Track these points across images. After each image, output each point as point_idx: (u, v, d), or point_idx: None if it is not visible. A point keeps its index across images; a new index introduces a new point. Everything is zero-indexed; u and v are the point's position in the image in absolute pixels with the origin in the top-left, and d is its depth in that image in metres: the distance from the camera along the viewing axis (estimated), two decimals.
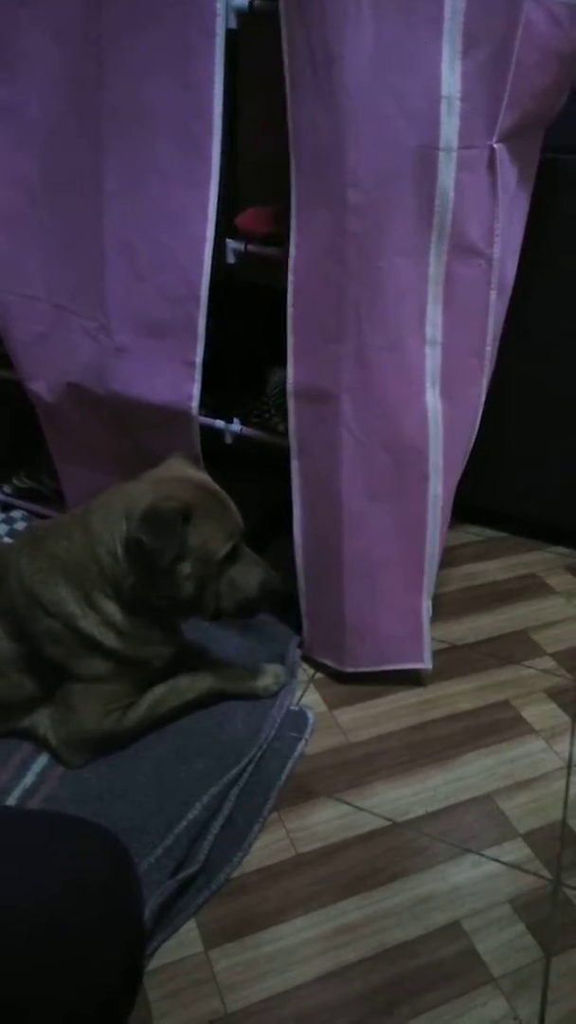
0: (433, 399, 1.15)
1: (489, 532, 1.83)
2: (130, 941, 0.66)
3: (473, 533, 1.83)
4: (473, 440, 1.29)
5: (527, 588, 1.64)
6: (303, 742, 1.21)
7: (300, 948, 0.93)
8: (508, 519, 1.81)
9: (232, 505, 1.13)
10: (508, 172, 1.08)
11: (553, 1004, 0.88)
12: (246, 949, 0.92)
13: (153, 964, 0.90)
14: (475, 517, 1.84)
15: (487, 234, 1.07)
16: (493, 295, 1.12)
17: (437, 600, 1.56)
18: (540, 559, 1.74)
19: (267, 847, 1.05)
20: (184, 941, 0.93)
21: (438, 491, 1.21)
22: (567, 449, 1.62)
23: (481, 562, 1.73)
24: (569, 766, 1.20)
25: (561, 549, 1.77)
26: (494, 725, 1.27)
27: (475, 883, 1.01)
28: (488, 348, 1.17)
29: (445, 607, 1.56)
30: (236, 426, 1.39)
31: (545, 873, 1.03)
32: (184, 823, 1.02)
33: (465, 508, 1.80)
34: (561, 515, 1.72)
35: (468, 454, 1.30)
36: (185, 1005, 0.86)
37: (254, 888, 1.00)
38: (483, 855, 1.05)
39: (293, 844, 1.06)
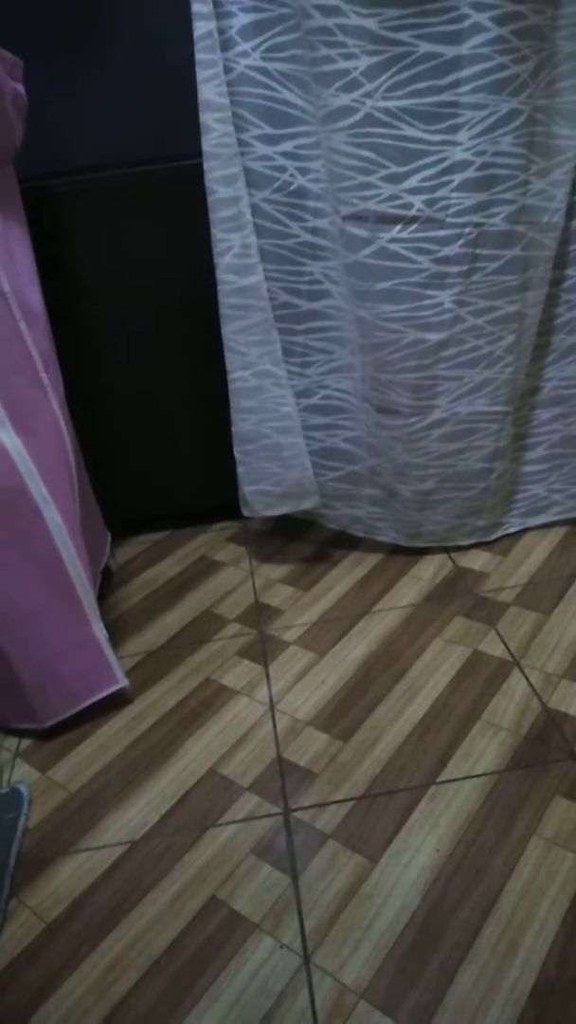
0: (10, 437, 1.15)
1: (154, 536, 1.89)
2: None
3: (139, 542, 1.88)
4: (75, 460, 1.32)
5: (201, 571, 1.73)
6: (23, 819, 1.16)
7: (75, 1009, 0.90)
8: (164, 518, 1.90)
9: None
10: None
11: (308, 916, 0.96)
12: None
13: None
14: (135, 528, 1.89)
15: None
16: (23, 326, 1.15)
17: (124, 616, 1.60)
18: (205, 540, 1.84)
19: (16, 934, 1.00)
20: None
21: (58, 520, 1.22)
22: (178, 439, 1.74)
23: (155, 565, 1.78)
24: (271, 707, 1.30)
25: (219, 524, 1.89)
26: (202, 705, 1.33)
27: (219, 853, 1.06)
28: (43, 375, 1.20)
29: (133, 620, 1.59)
30: None
31: (275, 810, 1.11)
32: None
33: (124, 523, 1.85)
34: (203, 496, 1.84)
35: (75, 476, 1.33)
36: None
37: (12, 982, 0.94)
38: (219, 825, 1.10)
39: (41, 917, 1.01)
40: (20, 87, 1.22)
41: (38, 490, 1.18)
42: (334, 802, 1.11)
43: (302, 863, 1.03)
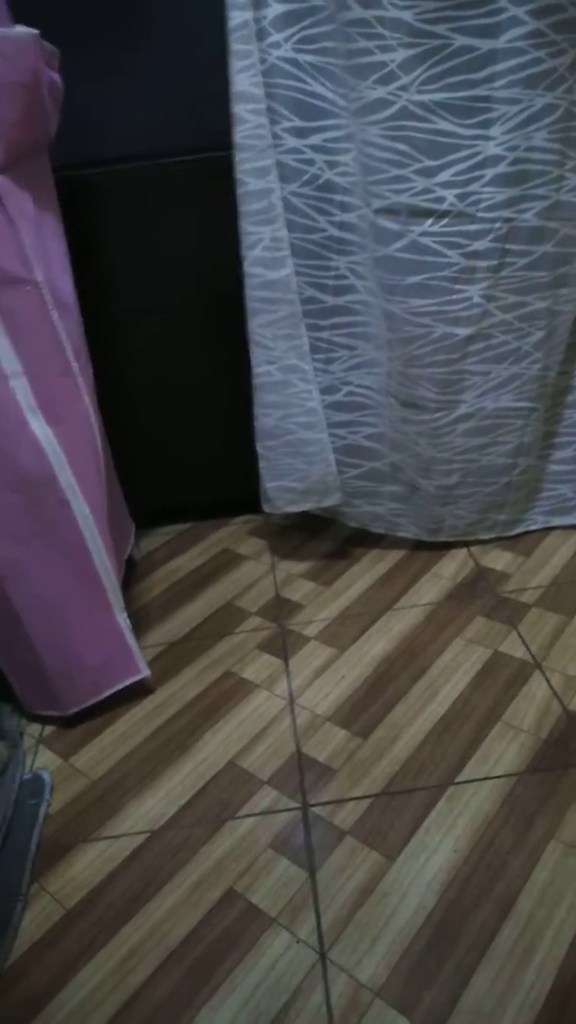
0: (40, 427, 1.16)
1: (178, 527, 1.90)
2: None
3: (163, 533, 1.88)
4: (103, 450, 1.33)
5: (223, 564, 1.73)
6: (45, 805, 1.18)
7: (92, 997, 0.91)
8: (188, 510, 1.90)
9: None
10: (21, 198, 1.11)
11: (325, 912, 0.97)
12: None
13: None
14: (158, 519, 1.90)
15: (22, 260, 1.10)
16: (55, 315, 1.15)
17: (146, 607, 1.60)
18: (227, 534, 1.85)
19: (35, 919, 1.01)
20: None
21: (85, 510, 1.23)
22: (202, 431, 1.74)
23: (178, 557, 1.79)
24: (291, 702, 1.30)
25: (241, 518, 1.89)
26: (221, 697, 1.34)
27: (237, 846, 1.07)
28: (74, 365, 1.21)
29: (155, 611, 1.60)
30: None
31: (293, 804, 1.12)
32: None
33: (147, 514, 1.85)
34: (227, 490, 1.84)
35: (103, 466, 1.33)
36: None
37: (32, 966, 0.95)
38: (238, 817, 1.11)
39: (60, 903, 1.03)
40: (57, 77, 1.22)
41: (67, 480, 1.19)
42: (352, 799, 1.11)
43: (320, 859, 1.03)
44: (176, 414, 1.72)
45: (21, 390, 1.14)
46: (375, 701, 1.27)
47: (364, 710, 1.26)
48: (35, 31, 1.13)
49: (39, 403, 1.16)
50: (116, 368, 1.61)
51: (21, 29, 1.11)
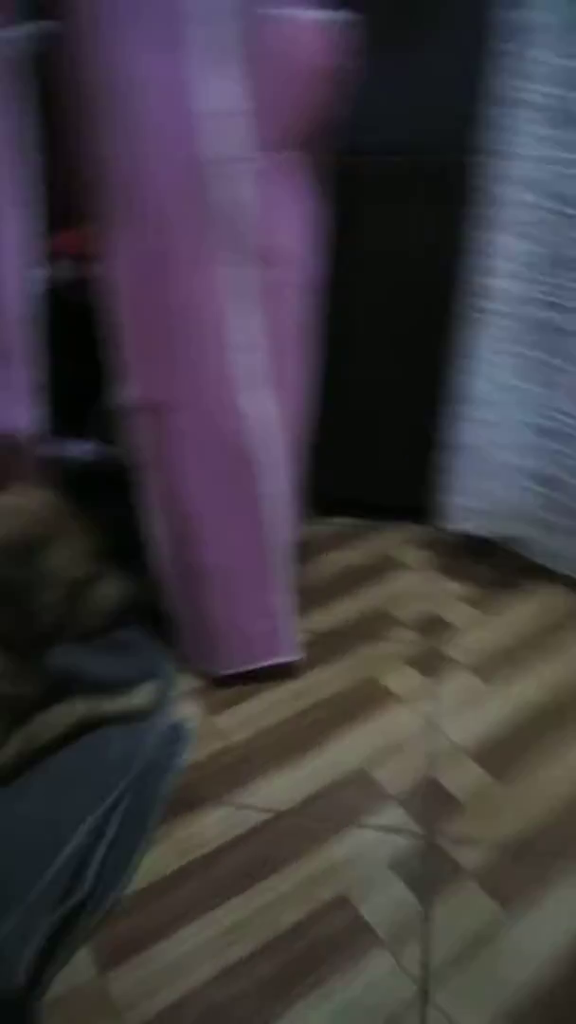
0: (259, 401, 1.20)
1: (343, 521, 1.91)
2: None
3: (328, 524, 1.90)
4: (303, 434, 1.35)
5: (382, 568, 1.72)
6: (183, 754, 1.23)
7: (194, 953, 0.95)
8: (357, 506, 1.90)
9: (85, 526, 1.13)
10: (296, 180, 1.14)
11: (434, 948, 0.95)
12: (142, 965, 0.93)
13: (49, 996, 0.89)
14: (327, 509, 1.91)
15: (280, 239, 1.13)
16: (296, 296, 1.18)
17: (302, 592, 1.62)
18: (391, 539, 1.83)
19: (155, 862, 1.06)
20: (79, 968, 0.93)
21: (272, 489, 1.26)
22: (388, 433, 1.73)
23: (339, 551, 1.80)
24: (432, 723, 1.28)
25: (409, 526, 1.87)
26: (362, 701, 1.34)
27: (356, 854, 1.07)
28: (301, 347, 1.23)
29: (309, 598, 1.62)
30: (81, 446, 1.38)
31: (418, 829, 1.10)
32: (66, 854, 1.02)
33: (316, 501, 1.87)
34: (403, 495, 1.82)
35: (300, 450, 1.36)
36: None
37: (145, 904, 1.01)
38: (362, 826, 1.11)
39: (181, 854, 1.08)
40: (353, 67, 1.23)
41: (265, 457, 1.22)
42: (482, 841, 1.07)
43: (437, 893, 1.01)
44: (365, 409, 1.72)
45: (251, 363, 1.18)
46: (522, 747, 1.22)
47: (507, 754, 1.21)
48: (345, 16, 1.15)
49: (263, 378, 1.19)
50: (326, 352, 1.62)
51: (330, 13, 1.12)
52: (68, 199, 1.40)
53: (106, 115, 1.01)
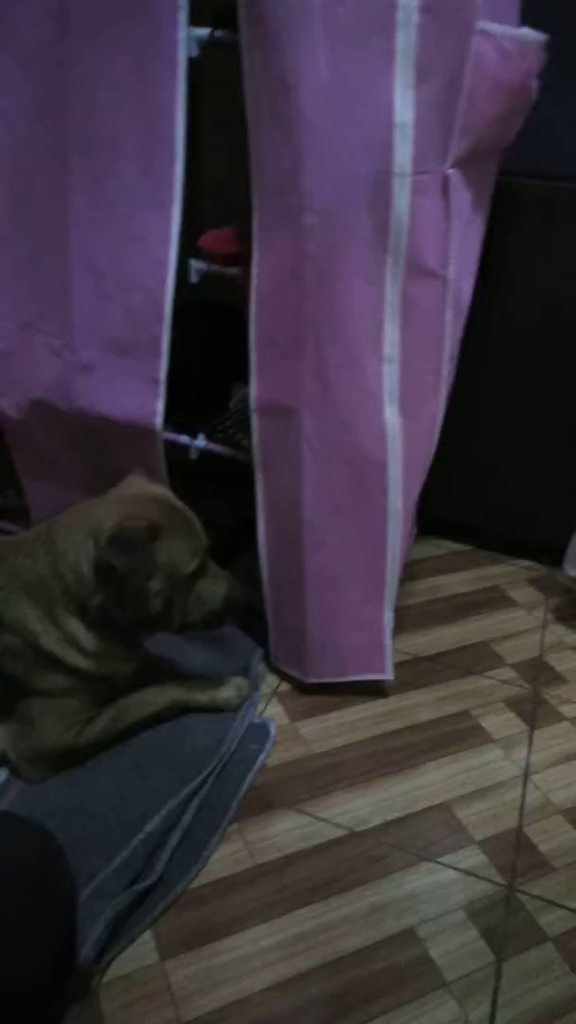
0: (392, 415, 1.18)
1: (454, 546, 1.86)
2: (57, 937, 0.67)
3: (438, 546, 1.86)
4: (432, 454, 1.32)
5: (489, 601, 1.67)
6: (264, 754, 1.23)
7: (255, 957, 0.94)
8: (473, 533, 1.85)
9: (196, 520, 1.15)
10: (462, 196, 1.12)
11: (503, 1007, 0.90)
12: (201, 959, 0.93)
13: (108, 976, 0.90)
14: (441, 531, 1.87)
15: (442, 257, 1.10)
16: (449, 315, 1.15)
17: (400, 612, 1.59)
18: (503, 572, 1.77)
19: (226, 858, 1.06)
20: (140, 952, 0.93)
21: (398, 505, 1.23)
22: (528, 464, 1.66)
23: (445, 575, 1.75)
24: (526, 774, 1.22)
25: (524, 562, 1.80)
26: (453, 735, 1.29)
27: (430, 890, 1.03)
28: (445, 367, 1.20)
29: (408, 619, 1.58)
30: (201, 441, 1.41)
31: (499, 879, 1.05)
32: (142, 835, 1.03)
33: (431, 522, 1.83)
34: (523, 529, 1.75)
35: (427, 468, 1.33)
36: (139, 1016, 0.87)
37: (211, 899, 1.01)
38: (439, 862, 1.07)
39: (252, 855, 1.07)
40: (535, 84, 1.19)
41: (395, 472, 1.20)
42: (567, 908, 1.01)
43: (512, 950, 0.96)
44: (503, 433, 1.66)
45: (390, 376, 1.16)
46: None
47: None
48: (543, 36, 1.11)
49: (400, 393, 1.17)
50: (471, 370, 1.58)
51: (528, 32, 1.10)
52: (219, 197, 1.43)
53: (283, 121, 1.02)
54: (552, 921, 1.00)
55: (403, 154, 1.01)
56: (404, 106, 0.99)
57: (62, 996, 0.71)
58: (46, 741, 1.11)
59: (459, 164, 1.07)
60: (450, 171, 1.05)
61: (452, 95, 1.01)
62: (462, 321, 1.25)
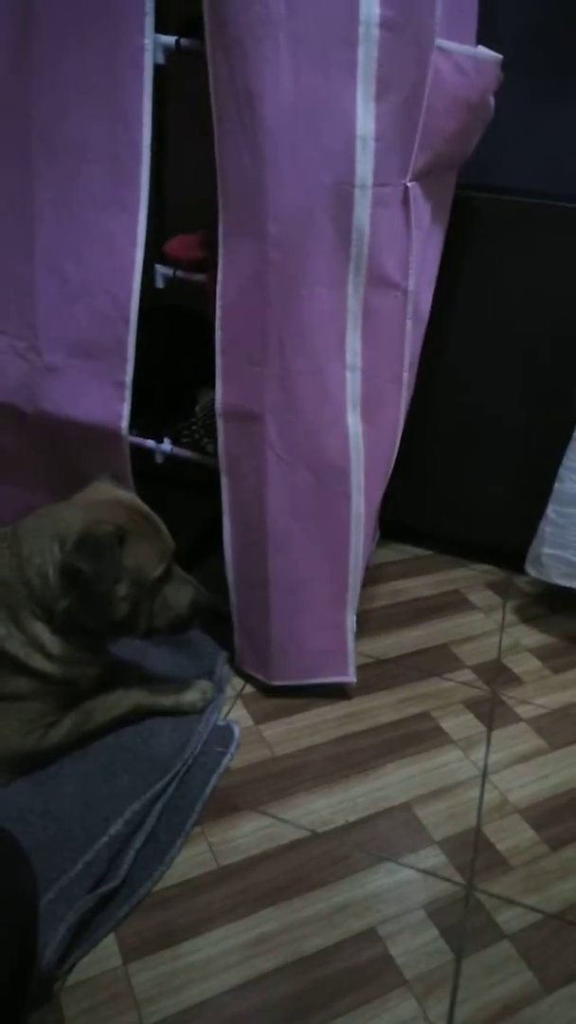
0: (354, 422, 1.19)
1: (416, 550, 1.89)
2: (17, 940, 0.67)
3: (400, 551, 1.88)
4: (394, 460, 1.34)
5: (449, 604, 1.70)
6: (228, 757, 1.23)
7: (218, 959, 0.94)
8: (433, 538, 1.88)
9: (162, 525, 1.15)
10: (422, 209, 1.14)
11: (462, 1004, 0.92)
12: (165, 962, 0.93)
13: (70, 980, 0.90)
14: (402, 536, 1.89)
15: (402, 267, 1.13)
16: (409, 325, 1.18)
17: (363, 616, 1.61)
18: (463, 576, 1.80)
19: (189, 860, 1.06)
20: (102, 956, 0.93)
21: (360, 509, 1.25)
22: (486, 470, 1.70)
23: (407, 579, 1.78)
24: (484, 774, 1.25)
25: (483, 566, 1.84)
26: (414, 736, 1.32)
27: (391, 890, 1.05)
28: (405, 374, 1.23)
29: (371, 622, 1.60)
30: (166, 446, 1.41)
31: (458, 879, 1.07)
32: (105, 839, 1.03)
33: (392, 527, 1.86)
34: (483, 534, 1.79)
35: (389, 474, 1.35)
36: (102, 1020, 0.87)
37: (175, 901, 1.01)
38: (400, 863, 1.09)
39: (215, 857, 1.07)
40: (492, 101, 1.23)
41: (357, 478, 1.22)
42: (524, 906, 1.04)
43: (471, 947, 0.98)
44: (462, 441, 1.69)
45: (353, 383, 1.18)
46: None
47: (561, 821, 1.17)
48: (499, 56, 1.15)
49: (362, 400, 1.19)
50: (430, 379, 1.61)
51: (485, 51, 1.13)
52: (185, 204, 1.44)
53: (248, 130, 1.03)
54: (509, 919, 1.02)
55: (364, 166, 1.03)
56: (366, 119, 1.01)
57: (23, 1001, 0.71)
58: (9, 745, 1.10)
59: (419, 177, 1.09)
60: (410, 184, 1.07)
61: (412, 109, 1.03)
62: (422, 330, 1.28)
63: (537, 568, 1.52)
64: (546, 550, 1.48)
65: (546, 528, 1.47)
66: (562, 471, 1.42)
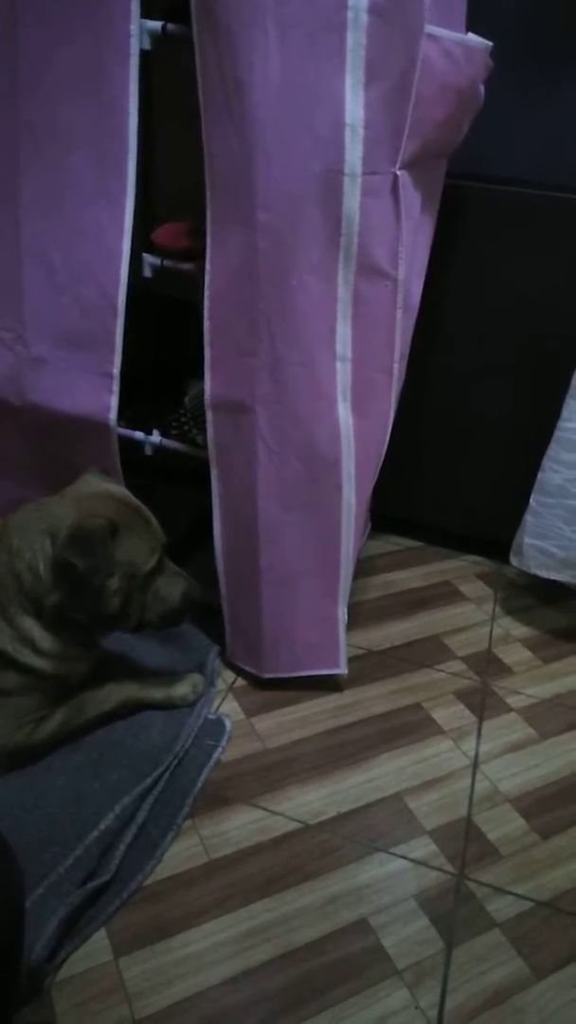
0: (345, 412, 1.19)
1: (407, 542, 1.89)
2: (4, 936, 0.67)
3: (392, 543, 1.88)
4: (384, 452, 1.34)
5: (441, 595, 1.70)
6: (220, 750, 1.23)
7: (210, 952, 0.94)
8: (425, 529, 1.88)
9: (153, 518, 1.14)
10: (412, 197, 1.13)
11: (452, 992, 0.92)
12: (156, 956, 0.93)
13: (61, 975, 0.90)
14: (394, 527, 1.89)
15: (392, 256, 1.12)
16: (399, 314, 1.17)
17: (355, 607, 1.61)
18: (454, 567, 1.80)
19: (180, 854, 1.06)
20: (93, 950, 0.93)
21: (351, 501, 1.25)
22: (476, 462, 1.70)
23: (399, 571, 1.78)
24: (475, 764, 1.25)
25: (474, 557, 1.84)
26: (405, 727, 1.32)
27: (383, 880, 1.05)
28: (396, 365, 1.22)
29: (363, 614, 1.60)
30: (155, 437, 1.40)
31: (449, 868, 1.07)
32: (95, 833, 1.02)
33: (384, 519, 1.86)
34: (473, 525, 1.79)
35: (380, 465, 1.34)
36: (93, 1014, 0.87)
37: (166, 895, 1.01)
38: (391, 853, 1.09)
39: (206, 850, 1.07)
40: (482, 89, 1.22)
41: (348, 469, 1.21)
42: (514, 894, 1.04)
43: (461, 936, 0.98)
44: (452, 433, 1.69)
45: (343, 374, 1.17)
46: (567, 806, 1.18)
47: (551, 811, 1.17)
48: (489, 43, 1.14)
49: (352, 391, 1.18)
50: (421, 373, 1.61)
51: (475, 38, 1.11)
52: (173, 192, 1.43)
53: (236, 117, 1.02)
54: (500, 908, 1.02)
55: (354, 154, 1.02)
56: (355, 106, 1.00)
57: (13, 996, 0.70)
58: None
59: (408, 165, 1.08)
60: (400, 172, 1.06)
61: (401, 97, 1.02)
62: (412, 321, 1.27)
63: (519, 559, 1.52)
64: (527, 540, 1.48)
65: (528, 518, 1.47)
66: (545, 461, 1.42)
